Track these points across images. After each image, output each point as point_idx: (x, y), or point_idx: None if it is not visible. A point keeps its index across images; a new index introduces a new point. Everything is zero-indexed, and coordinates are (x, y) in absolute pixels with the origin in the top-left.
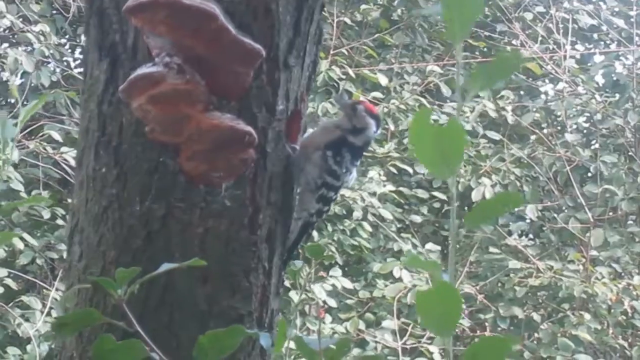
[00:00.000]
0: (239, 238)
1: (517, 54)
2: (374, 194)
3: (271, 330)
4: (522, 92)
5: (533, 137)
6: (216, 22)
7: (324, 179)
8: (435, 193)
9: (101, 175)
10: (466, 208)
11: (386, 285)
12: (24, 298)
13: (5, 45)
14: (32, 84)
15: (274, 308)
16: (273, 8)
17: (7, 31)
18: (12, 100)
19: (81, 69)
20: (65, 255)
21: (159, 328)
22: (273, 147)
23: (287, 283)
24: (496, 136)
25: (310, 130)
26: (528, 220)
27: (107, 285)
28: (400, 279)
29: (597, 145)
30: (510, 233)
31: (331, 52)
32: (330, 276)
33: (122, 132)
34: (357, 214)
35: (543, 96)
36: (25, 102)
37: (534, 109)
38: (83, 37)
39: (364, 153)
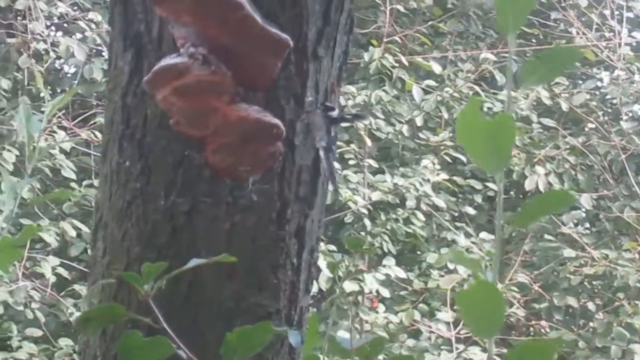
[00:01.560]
0: (266, 233)
1: (573, 50)
2: (427, 182)
3: (301, 328)
4: (579, 81)
5: (588, 125)
6: (242, 11)
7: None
8: (489, 183)
9: (125, 168)
10: (520, 196)
11: (441, 276)
12: (76, 287)
13: (60, 33)
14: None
15: (303, 305)
16: None
17: (60, 19)
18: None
19: None
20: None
21: (185, 326)
22: (302, 140)
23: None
24: (550, 123)
25: None
26: (583, 210)
27: (133, 281)
28: (455, 270)
29: None
30: (564, 222)
31: (384, 40)
32: (384, 266)
33: (146, 125)
34: (411, 203)
35: (598, 83)
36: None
37: (586, 92)
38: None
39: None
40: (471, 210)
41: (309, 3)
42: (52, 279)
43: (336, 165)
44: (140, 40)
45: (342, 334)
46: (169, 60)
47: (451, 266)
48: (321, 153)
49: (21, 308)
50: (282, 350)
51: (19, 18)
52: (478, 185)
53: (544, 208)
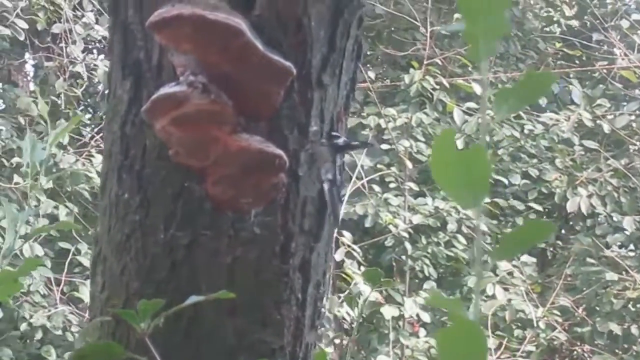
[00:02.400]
0: (269, 268)
1: (548, 75)
2: None
3: None
4: (623, 103)
5: (630, 147)
6: (242, 38)
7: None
8: (531, 204)
9: (124, 201)
10: (562, 219)
11: (483, 301)
12: None
13: (102, 56)
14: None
15: (309, 342)
16: (305, 23)
17: (99, 43)
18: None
19: None
20: None
21: None
22: (306, 170)
23: (379, 298)
24: (592, 145)
25: None
26: (627, 232)
27: (129, 319)
28: (494, 296)
29: None
30: (608, 245)
31: (425, 62)
32: (425, 290)
33: (145, 156)
34: (452, 226)
35: None
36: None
37: (628, 114)
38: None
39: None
40: None
41: (313, 29)
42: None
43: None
44: (139, 68)
45: (382, 359)
46: (167, 89)
47: (490, 291)
48: (325, 187)
49: (60, 332)
50: None
51: (57, 41)
52: (520, 206)
53: (525, 240)
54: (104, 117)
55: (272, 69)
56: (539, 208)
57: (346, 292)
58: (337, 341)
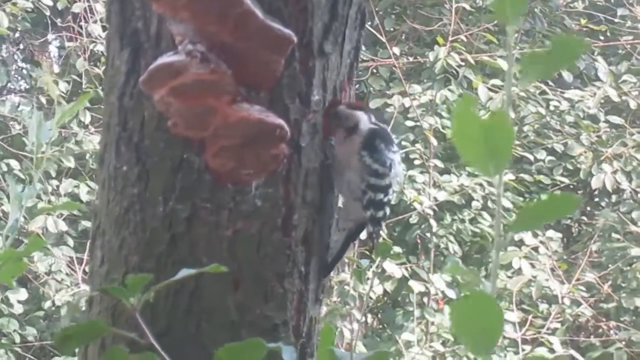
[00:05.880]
0: (271, 241)
1: (577, 41)
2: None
3: (310, 340)
4: None
5: None
6: (242, 6)
7: (367, 182)
8: (558, 177)
9: (122, 173)
10: (588, 195)
11: (508, 277)
12: None
13: None
14: None
15: (313, 316)
16: None
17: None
18: None
19: None
20: None
21: (187, 338)
22: (308, 141)
23: (405, 273)
24: (618, 121)
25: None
26: None
27: (118, 294)
28: (520, 270)
29: None
30: (634, 220)
31: (450, 38)
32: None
33: (143, 127)
34: (477, 203)
35: None
36: None
37: None
38: None
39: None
40: None
41: None
42: None
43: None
44: (137, 39)
45: (407, 336)
46: (165, 59)
47: (516, 265)
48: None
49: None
50: None
51: (77, 21)
52: (547, 180)
53: (546, 213)
54: None
55: (272, 37)
56: (566, 181)
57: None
58: (361, 319)
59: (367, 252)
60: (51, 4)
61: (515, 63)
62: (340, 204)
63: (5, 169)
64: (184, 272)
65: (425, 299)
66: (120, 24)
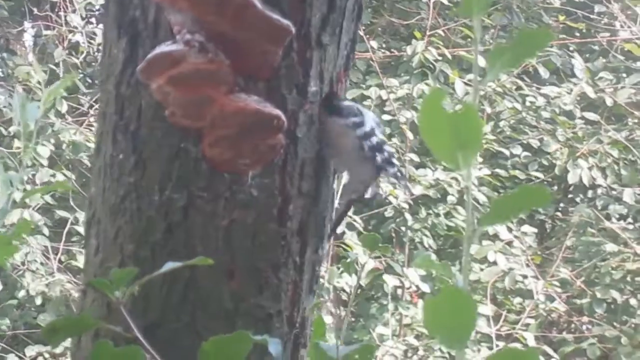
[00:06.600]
0: (267, 231)
1: (543, 32)
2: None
3: (304, 330)
4: (623, 75)
5: (631, 119)
6: None
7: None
8: (534, 173)
9: (119, 162)
10: (563, 191)
11: (482, 270)
12: None
13: (101, 25)
14: None
15: (307, 306)
16: None
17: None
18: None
19: None
20: None
21: (181, 327)
22: (305, 131)
23: (380, 266)
24: (593, 117)
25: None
26: (628, 203)
27: (103, 287)
28: (495, 263)
29: None
30: (608, 216)
31: (427, 33)
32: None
33: (141, 116)
34: (452, 198)
35: None
36: None
37: (630, 87)
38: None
39: None
40: None
41: None
42: None
43: None
44: (135, 27)
45: (381, 329)
46: (163, 48)
47: (491, 258)
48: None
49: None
50: (284, 353)
51: (56, 10)
52: (522, 176)
53: (518, 205)
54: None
55: (271, 28)
56: (542, 177)
57: (347, 260)
58: (335, 311)
59: (344, 246)
60: None
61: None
62: (344, 180)
63: None
64: (170, 265)
65: (399, 292)
66: (118, 12)
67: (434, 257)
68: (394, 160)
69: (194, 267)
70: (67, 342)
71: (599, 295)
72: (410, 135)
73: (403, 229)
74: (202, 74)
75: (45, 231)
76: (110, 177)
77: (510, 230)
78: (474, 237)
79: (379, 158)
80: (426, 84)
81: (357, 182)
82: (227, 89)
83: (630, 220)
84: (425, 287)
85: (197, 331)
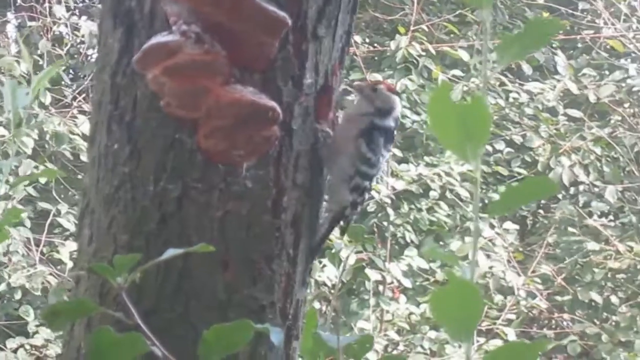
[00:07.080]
0: (261, 222)
1: (553, 22)
2: (451, 171)
3: (296, 322)
4: (606, 72)
5: (614, 116)
6: None
7: (357, 168)
8: (516, 169)
9: (113, 152)
10: None
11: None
12: None
13: (84, 17)
14: None
15: (300, 298)
16: None
17: (81, 3)
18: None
19: None
20: None
21: (175, 317)
22: (300, 124)
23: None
24: (577, 114)
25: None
26: (610, 201)
27: (105, 273)
28: (476, 263)
29: None
30: (590, 214)
31: (411, 28)
32: (406, 256)
33: (136, 106)
34: (434, 193)
35: (626, 74)
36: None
37: (613, 83)
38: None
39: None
40: (496, 197)
41: None
42: (70, 264)
43: None
44: (131, 17)
45: (362, 324)
46: (159, 39)
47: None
48: None
49: (39, 294)
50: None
51: (40, 1)
52: (504, 171)
53: (524, 196)
54: (85, 78)
55: (267, 19)
56: (524, 173)
57: (332, 250)
58: (317, 306)
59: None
60: None
61: (476, 55)
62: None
63: None
64: (171, 252)
65: (380, 288)
66: (114, 2)
67: (415, 251)
68: (359, 208)
69: (188, 258)
70: (47, 334)
71: (580, 297)
72: None
73: (385, 223)
74: (198, 64)
75: (27, 223)
76: (105, 167)
77: (492, 227)
78: (480, 231)
79: (353, 196)
80: (410, 79)
81: (332, 200)
82: (223, 80)
83: (611, 217)
84: (407, 283)
85: (190, 321)
